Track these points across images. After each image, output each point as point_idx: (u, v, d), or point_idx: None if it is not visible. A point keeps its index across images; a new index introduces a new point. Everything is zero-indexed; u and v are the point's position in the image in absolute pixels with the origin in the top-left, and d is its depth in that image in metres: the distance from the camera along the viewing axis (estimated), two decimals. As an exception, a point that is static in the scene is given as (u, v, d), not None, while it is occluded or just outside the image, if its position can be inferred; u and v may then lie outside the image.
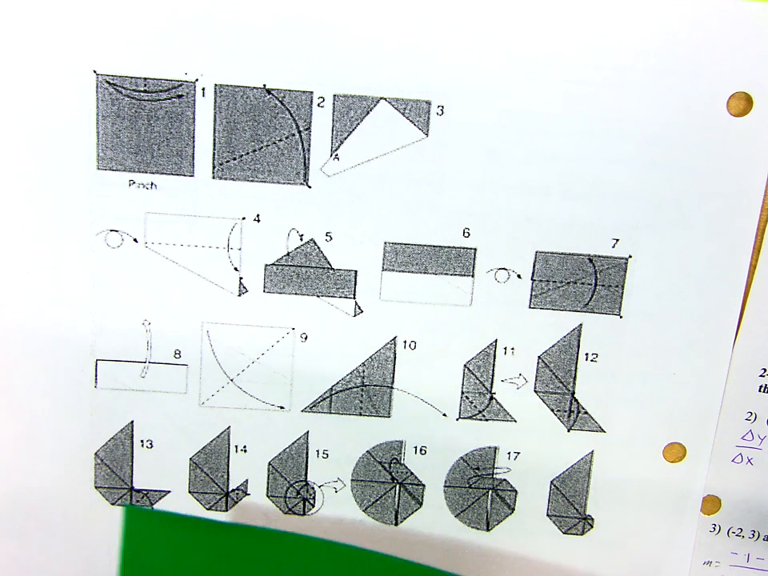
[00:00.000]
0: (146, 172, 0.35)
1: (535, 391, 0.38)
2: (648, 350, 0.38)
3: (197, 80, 0.34)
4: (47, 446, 0.38)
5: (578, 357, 0.38)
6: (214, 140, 0.35)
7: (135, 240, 0.36)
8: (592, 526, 0.40)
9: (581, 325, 0.37)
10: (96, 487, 0.39)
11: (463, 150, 0.35)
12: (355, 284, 0.37)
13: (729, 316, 0.37)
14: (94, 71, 0.34)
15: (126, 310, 0.37)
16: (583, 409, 0.38)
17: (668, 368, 0.38)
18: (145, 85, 0.34)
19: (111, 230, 0.36)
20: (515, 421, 0.39)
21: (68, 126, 0.35)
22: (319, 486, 0.39)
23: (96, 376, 0.37)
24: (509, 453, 0.39)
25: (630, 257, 0.37)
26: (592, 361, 0.38)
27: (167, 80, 0.34)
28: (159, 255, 0.36)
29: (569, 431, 0.39)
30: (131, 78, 0.34)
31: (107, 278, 0.36)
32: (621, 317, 0.37)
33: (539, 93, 0.34)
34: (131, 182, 0.35)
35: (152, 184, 0.35)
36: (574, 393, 0.38)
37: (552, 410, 0.38)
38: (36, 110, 0.34)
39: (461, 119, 0.35)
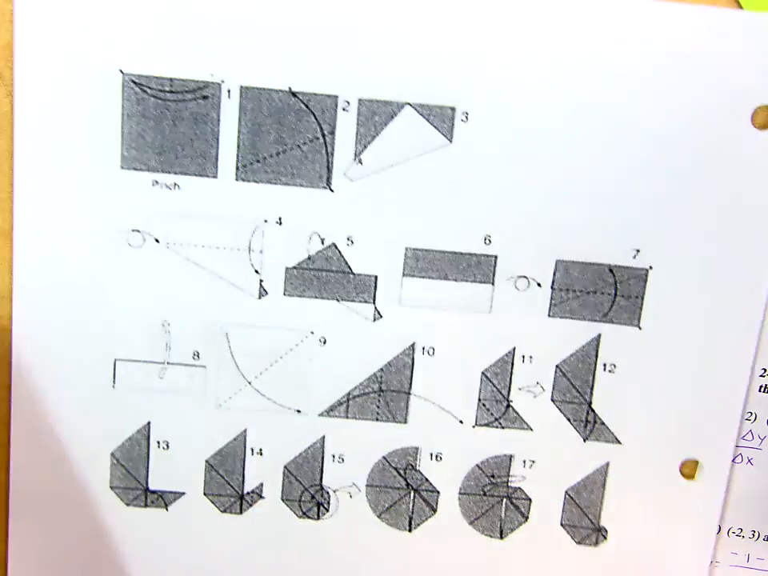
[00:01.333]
0: (170, 172, 0.35)
1: (552, 400, 0.38)
2: (667, 362, 0.37)
3: (223, 81, 0.34)
4: (64, 444, 0.38)
5: (595, 367, 0.38)
6: (238, 142, 0.35)
7: (157, 240, 0.36)
8: (605, 538, 0.40)
9: (599, 335, 0.37)
10: (111, 487, 0.39)
11: (486, 158, 0.35)
12: (375, 289, 0.37)
13: (749, 329, 0.37)
14: (121, 71, 0.34)
15: (146, 311, 0.37)
16: (600, 419, 0.38)
17: (687, 382, 0.38)
18: (170, 85, 0.34)
19: (133, 230, 0.36)
20: (531, 429, 0.38)
21: (93, 125, 0.35)
22: (334, 491, 0.39)
23: (114, 376, 0.37)
24: (524, 461, 0.39)
25: (651, 268, 0.36)
26: (610, 371, 0.38)
27: (193, 81, 0.34)
28: (180, 256, 0.36)
29: (585, 441, 0.39)
30: (157, 78, 0.34)
31: (128, 277, 0.36)
32: (640, 328, 0.37)
33: (564, 102, 0.35)
34: (155, 182, 0.35)
35: (175, 185, 0.35)
36: (591, 403, 0.38)
37: (568, 420, 0.38)
38: (62, 109, 0.34)
39: (485, 126, 0.35)
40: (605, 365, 0.38)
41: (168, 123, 0.35)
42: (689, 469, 0.39)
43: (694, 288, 0.37)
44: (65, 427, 0.38)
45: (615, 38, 0.34)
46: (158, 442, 0.38)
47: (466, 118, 0.35)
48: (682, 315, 0.37)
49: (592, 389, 0.38)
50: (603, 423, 0.38)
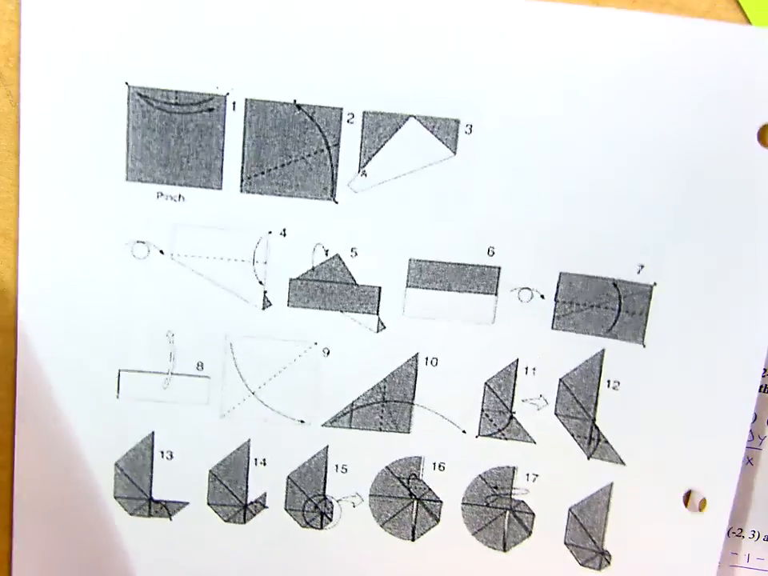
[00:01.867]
0: (175, 184, 0.35)
1: (555, 414, 0.38)
2: (671, 383, 0.37)
3: (228, 94, 0.35)
4: (68, 455, 0.38)
5: (599, 383, 0.37)
6: (243, 154, 0.35)
7: (162, 252, 0.36)
8: (609, 563, 0.39)
9: (603, 350, 0.37)
10: (115, 497, 0.39)
11: (490, 169, 0.35)
12: (379, 300, 0.37)
13: (755, 350, 0.36)
14: (126, 83, 0.34)
15: (150, 321, 0.37)
16: (603, 437, 0.38)
17: (690, 405, 0.37)
18: (176, 98, 0.35)
19: (138, 242, 0.36)
20: (534, 442, 0.38)
21: (98, 136, 0.35)
22: (337, 501, 0.39)
23: (118, 386, 0.37)
24: (527, 474, 0.39)
25: (655, 284, 0.36)
26: (614, 389, 0.37)
27: (198, 93, 0.35)
28: (185, 267, 0.36)
29: (588, 459, 0.38)
30: (163, 90, 0.34)
31: (133, 288, 0.36)
32: (644, 345, 0.37)
33: (567, 114, 0.35)
34: (159, 194, 0.36)
35: (180, 196, 0.36)
36: (594, 420, 0.38)
37: (572, 435, 0.38)
38: (67, 121, 0.34)
39: (489, 138, 0.35)
40: (609, 381, 0.37)
41: (173, 135, 0.35)
42: (692, 501, 0.38)
43: (698, 307, 0.36)
44: (69, 438, 0.38)
45: (619, 51, 0.34)
46: (162, 452, 0.38)
47: (470, 130, 0.35)
48: (686, 334, 0.36)
49: (596, 405, 0.38)
50: (607, 442, 0.38)
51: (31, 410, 0.37)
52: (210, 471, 0.39)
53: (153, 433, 0.38)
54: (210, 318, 0.37)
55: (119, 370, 0.37)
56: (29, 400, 0.37)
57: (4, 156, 0.35)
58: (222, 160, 0.35)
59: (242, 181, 0.36)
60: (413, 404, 0.38)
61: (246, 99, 0.35)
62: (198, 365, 0.37)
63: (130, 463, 0.38)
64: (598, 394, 0.38)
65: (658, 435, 0.37)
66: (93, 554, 0.39)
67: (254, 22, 0.34)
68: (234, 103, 0.35)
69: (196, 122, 0.35)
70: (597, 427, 0.38)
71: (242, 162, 0.35)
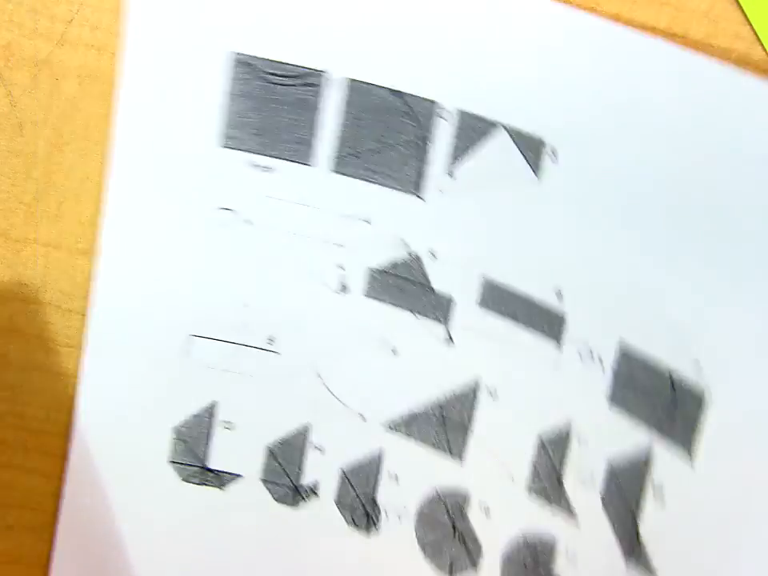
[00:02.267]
0: (267, 155, 0.35)
1: (602, 498, 0.33)
2: (718, 517, 0.30)
3: (331, 72, 0.33)
4: (129, 414, 0.38)
5: (646, 486, 0.32)
6: (339, 133, 0.34)
7: (246, 222, 0.35)
8: None
9: (653, 450, 0.32)
10: (170, 461, 0.39)
11: (573, 205, 0.32)
12: (451, 311, 0.35)
13: None
14: (231, 49, 0.33)
15: (228, 290, 0.36)
16: (645, 553, 0.32)
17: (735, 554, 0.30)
18: (279, 69, 0.34)
19: (225, 209, 0.36)
20: (578, 527, 0.34)
21: (196, 101, 0.34)
22: (385, 509, 0.38)
23: (187, 351, 0.37)
24: (568, 554, 0.34)
25: (710, 389, 0.30)
26: (659, 499, 0.31)
27: (302, 67, 0.33)
28: (268, 240, 0.36)
29: (627, 568, 0.33)
30: (267, 60, 0.33)
31: (214, 255, 0.36)
32: (692, 467, 0.30)
33: (655, 158, 0.30)
34: (251, 164, 0.35)
35: (271, 168, 0.35)
36: (638, 527, 0.32)
37: (614, 530, 0.33)
38: (167, 84, 0.34)
39: (576, 170, 0.31)
40: (655, 489, 0.31)
41: (272, 106, 0.34)
42: None
43: (759, 430, 0.29)
44: (132, 397, 0.38)
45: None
46: (223, 422, 0.38)
47: (555, 156, 0.31)
48: (743, 462, 0.30)
49: (641, 511, 0.32)
50: (648, 561, 0.32)
51: (99, 367, 0.37)
52: (268, 447, 0.38)
53: (216, 402, 0.38)
54: (286, 293, 0.36)
55: (190, 335, 0.37)
56: (99, 357, 0.37)
57: (4, 156, 0.35)
58: (317, 137, 0.34)
59: (333, 160, 0.34)
60: (469, 431, 0.35)
61: (348, 79, 0.33)
62: (268, 340, 0.37)
63: (188, 430, 0.38)
64: (643, 500, 0.32)
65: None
66: (140, 515, 0.39)
67: (365, 5, 0.32)
68: (335, 81, 0.33)
69: (295, 95, 0.34)
70: (639, 536, 0.32)
71: (336, 142, 0.34)
